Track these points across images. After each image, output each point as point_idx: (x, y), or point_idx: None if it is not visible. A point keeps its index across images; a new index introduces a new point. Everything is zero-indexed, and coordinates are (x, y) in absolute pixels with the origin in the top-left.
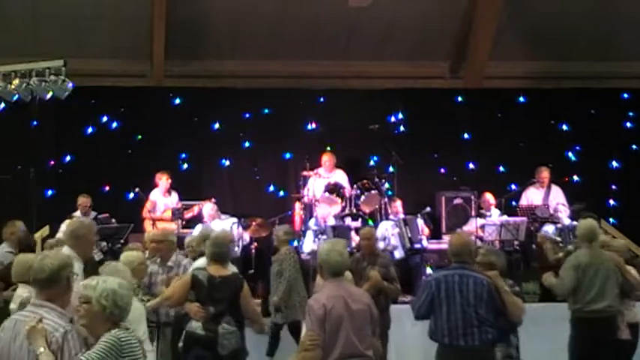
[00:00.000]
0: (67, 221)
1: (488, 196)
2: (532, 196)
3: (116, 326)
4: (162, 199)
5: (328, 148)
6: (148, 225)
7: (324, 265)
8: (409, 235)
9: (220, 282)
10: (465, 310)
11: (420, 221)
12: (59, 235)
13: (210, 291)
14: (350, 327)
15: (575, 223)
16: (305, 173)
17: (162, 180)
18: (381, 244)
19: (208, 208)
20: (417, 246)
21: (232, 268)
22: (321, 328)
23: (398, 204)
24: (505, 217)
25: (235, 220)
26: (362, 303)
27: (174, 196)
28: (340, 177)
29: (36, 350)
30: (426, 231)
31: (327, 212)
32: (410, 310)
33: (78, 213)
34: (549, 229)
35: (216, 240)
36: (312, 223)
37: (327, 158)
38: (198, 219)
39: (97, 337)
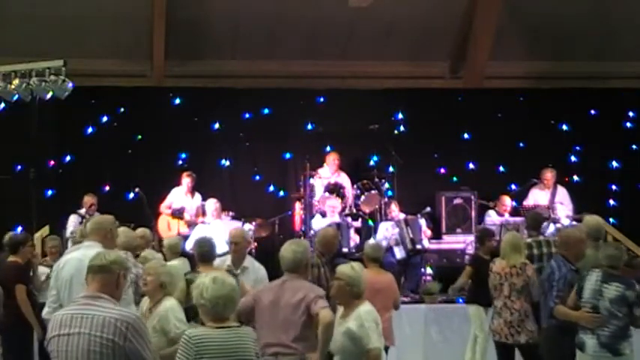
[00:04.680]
0: (74, 215)
1: (507, 202)
2: (538, 197)
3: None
4: (182, 198)
5: (327, 149)
6: (162, 221)
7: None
8: (411, 235)
9: None
10: None
11: (423, 222)
12: (68, 231)
13: None
14: (273, 318)
15: (574, 223)
16: (307, 175)
17: (185, 180)
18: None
19: (211, 203)
20: (418, 246)
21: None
22: (241, 315)
23: (394, 207)
24: (505, 217)
25: (250, 226)
26: (294, 297)
27: (197, 198)
28: (344, 180)
29: None
30: (428, 232)
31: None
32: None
33: (83, 210)
34: (549, 229)
35: (200, 241)
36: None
37: (334, 157)
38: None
39: None
